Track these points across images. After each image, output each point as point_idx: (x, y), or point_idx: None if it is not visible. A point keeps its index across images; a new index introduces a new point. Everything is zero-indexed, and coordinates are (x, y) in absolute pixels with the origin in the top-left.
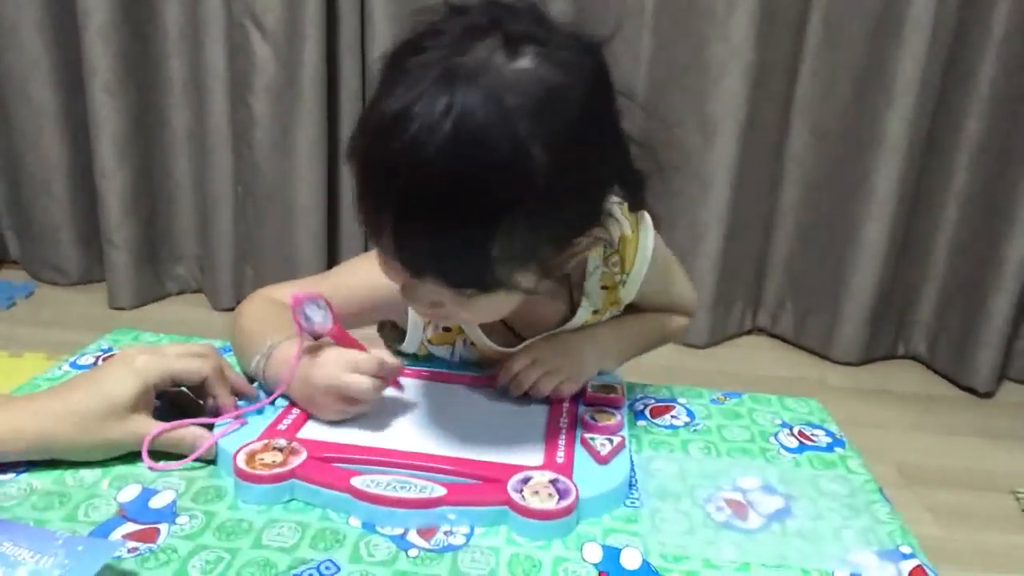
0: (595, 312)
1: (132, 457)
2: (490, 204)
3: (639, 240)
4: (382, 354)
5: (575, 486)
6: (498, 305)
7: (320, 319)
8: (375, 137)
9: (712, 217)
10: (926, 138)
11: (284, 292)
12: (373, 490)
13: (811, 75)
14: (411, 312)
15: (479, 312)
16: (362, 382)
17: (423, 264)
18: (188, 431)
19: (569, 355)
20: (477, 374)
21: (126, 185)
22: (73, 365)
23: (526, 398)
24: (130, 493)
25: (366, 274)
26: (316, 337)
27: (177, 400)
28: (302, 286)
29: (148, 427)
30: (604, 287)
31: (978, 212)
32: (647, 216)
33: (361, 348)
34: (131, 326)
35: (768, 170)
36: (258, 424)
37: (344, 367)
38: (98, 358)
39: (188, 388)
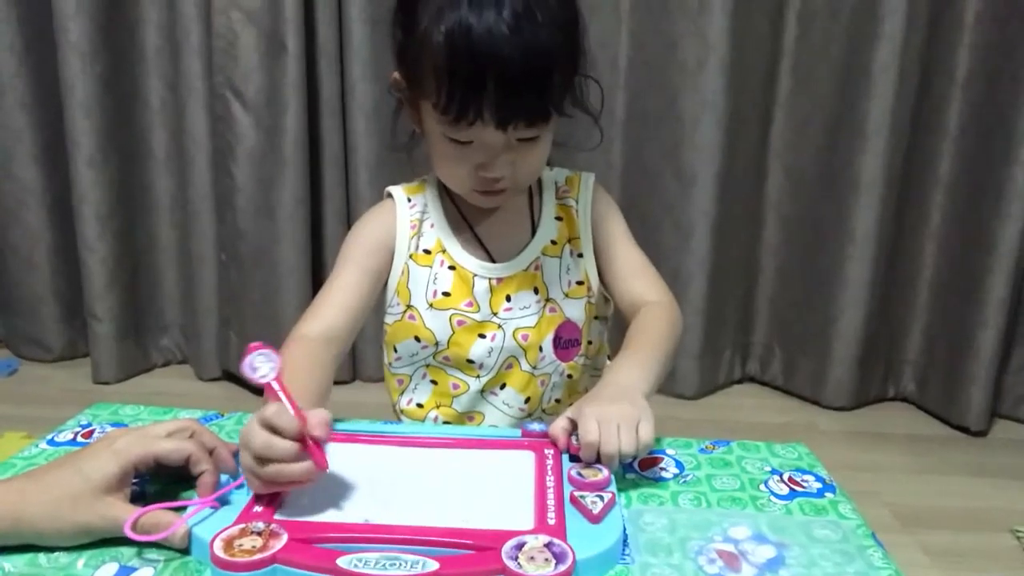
0: (553, 243)
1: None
2: (548, 51)
3: (581, 174)
4: (318, 413)
5: (571, 548)
6: (544, 152)
7: (264, 371)
8: (456, 45)
9: (695, 265)
10: (900, 177)
11: (313, 324)
12: (361, 570)
13: (784, 121)
14: (398, 232)
15: (536, 160)
16: (259, 435)
17: (514, 113)
18: (164, 515)
19: (622, 396)
20: (455, 436)
21: (109, 256)
22: (51, 443)
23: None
24: (106, 572)
25: (359, 244)
26: (260, 390)
27: (160, 472)
28: (323, 300)
29: (121, 512)
30: (559, 218)
31: (957, 248)
32: None
33: (294, 406)
34: (116, 399)
35: (747, 215)
36: (233, 507)
37: (254, 420)
38: (76, 434)
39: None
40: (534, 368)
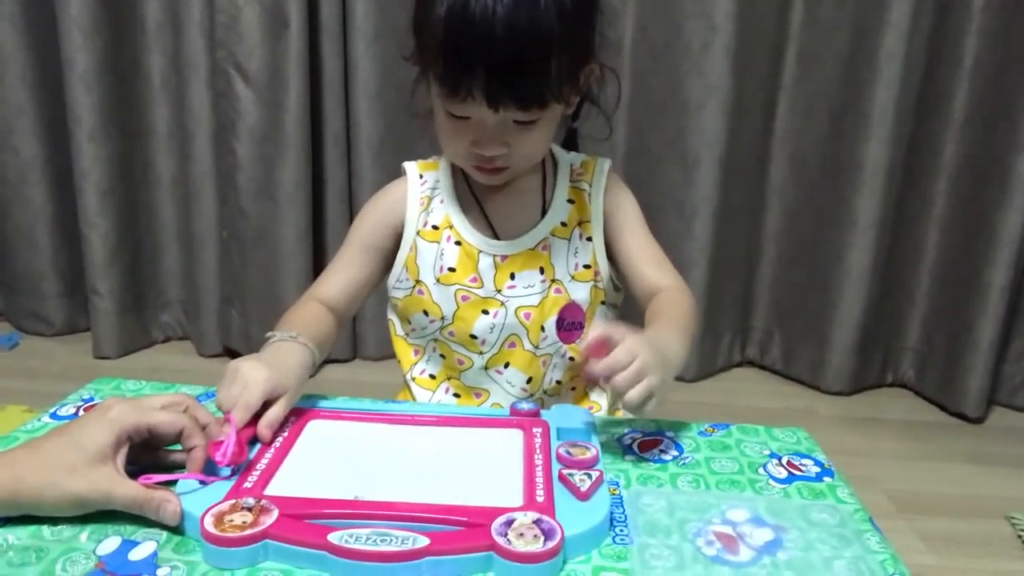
0: (563, 224)
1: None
2: (546, 35)
3: (598, 159)
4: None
5: (559, 525)
6: (544, 137)
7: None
8: (453, 21)
9: (696, 251)
10: (904, 165)
11: (319, 292)
12: (352, 545)
13: (788, 107)
14: (408, 208)
15: (532, 145)
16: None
17: (505, 94)
18: (156, 493)
19: (663, 360)
20: (445, 413)
21: (110, 233)
22: (53, 416)
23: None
24: (109, 546)
25: (366, 222)
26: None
27: (149, 443)
28: (330, 272)
29: (115, 483)
30: (571, 201)
31: (959, 237)
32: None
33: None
34: (116, 375)
35: (750, 202)
36: (223, 483)
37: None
38: (79, 408)
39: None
40: (536, 347)
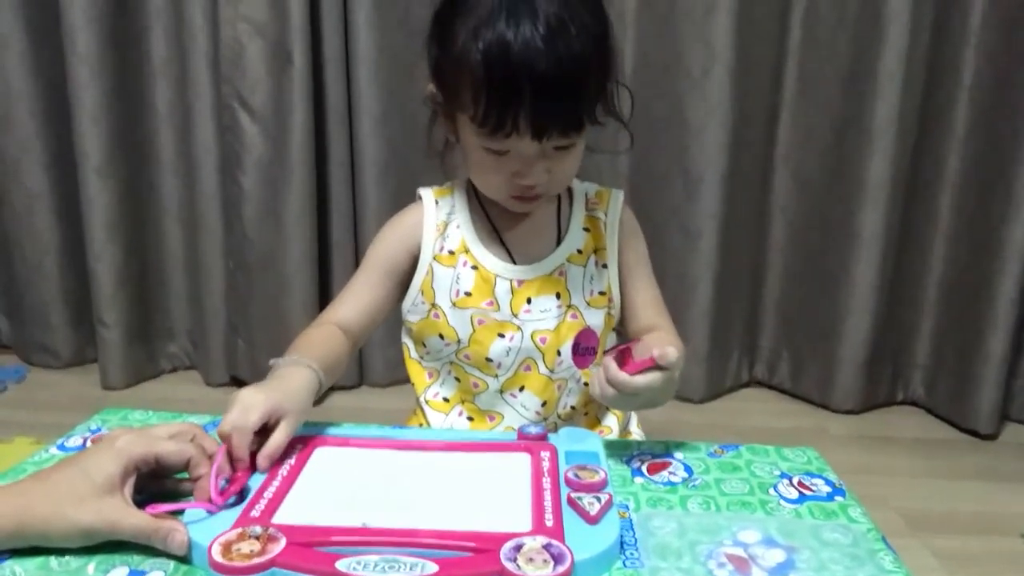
0: (579, 251)
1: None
2: (583, 62)
3: (612, 190)
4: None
5: (569, 550)
6: (578, 158)
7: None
8: (492, 60)
9: (701, 268)
10: (907, 179)
11: (334, 315)
12: (361, 573)
13: (790, 124)
14: (424, 233)
15: (569, 167)
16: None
17: (550, 124)
18: (163, 523)
19: (666, 393)
20: (452, 439)
21: (117, 263)
22: (61, 447)
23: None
24: None
25: (382, 246)
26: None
27: (157, 473)
28: (346, 295)
29: (122, 513)
30: (586, 229)
31: (965, 250)
32: None
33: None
34: (124, 405)
35: (754, 218)
36: (231, 511)
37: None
38: (86, 439)
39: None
40: (551, 371)
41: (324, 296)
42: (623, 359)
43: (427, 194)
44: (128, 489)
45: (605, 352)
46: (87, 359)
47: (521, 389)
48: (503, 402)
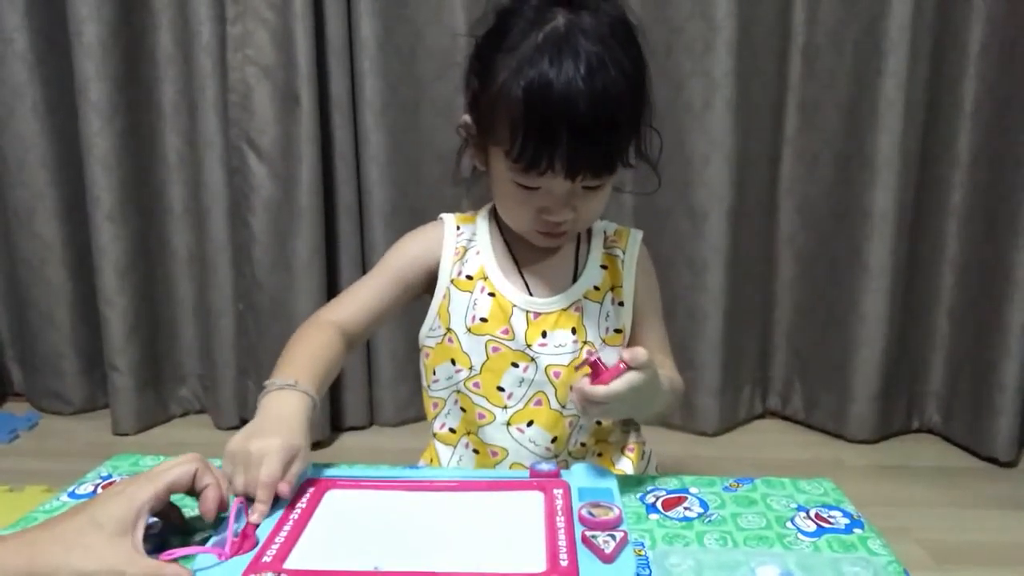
0: (596, 288)
1: None
2: (620, 104)
3: (631, 230)
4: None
5: None
6: (605, 198)
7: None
8: (533, 99)
9: (710, 302)
10: (913, 208)
11: (336, 312)
12: None
13: (793, 156)
14: (443, 256)
15: (596, 206)
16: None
17: (583, 164)
18: (168, 569)
19: (651, 397)
20: (464, 478)
21: (128, 309)
22: (72, 495)
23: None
24: None
25: (398, 254)
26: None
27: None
28: (350, 294)
29: (129, 561)
30: (604, 266)
31: (974, 278)
32: None
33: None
34: (135, 451)
35: (761, 252)
36: (242, 558)
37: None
38: (97, 486)
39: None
40: (563, 407)
41: None
42: (596, 371)
43: (449, 219)
44: (139, 534)
45: (577, 367)
46: (98, 405)
47: (530, 424)
48: (509, 436)
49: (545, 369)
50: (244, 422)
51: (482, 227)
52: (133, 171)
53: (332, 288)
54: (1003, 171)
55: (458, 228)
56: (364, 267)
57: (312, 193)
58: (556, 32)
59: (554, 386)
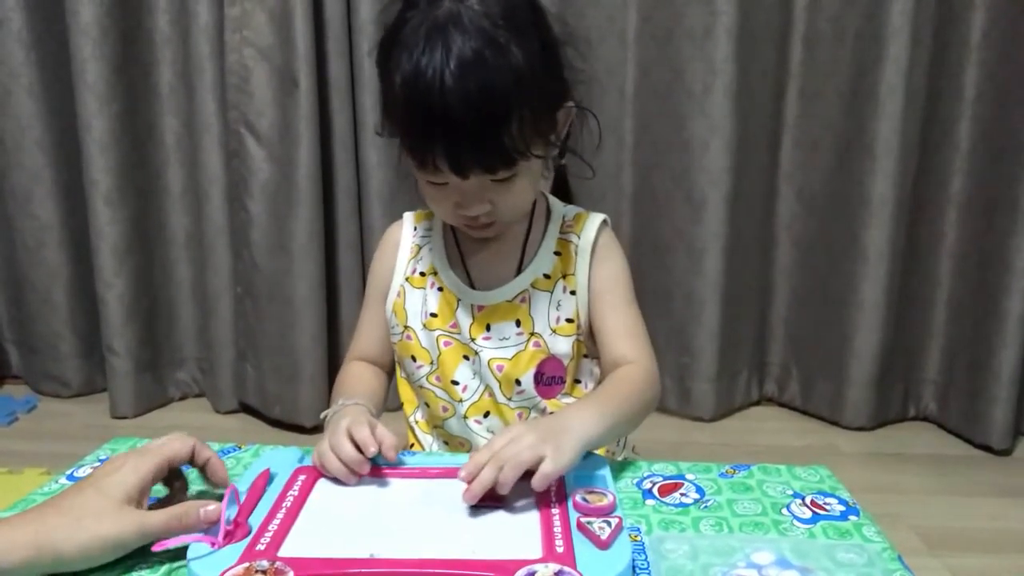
0: (546, 276)
1: (132, 567)
2: (501, 98)
3: (591, 214)
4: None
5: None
6: (527, 187)
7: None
8: (408, 95)
9: (707, 288)
10: (912, 196)
11: (355, 351)
12: None
13: (792, 143)
14: (399, 257)
15: (516, 197)
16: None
17: (470, 162)
18: (190, 505)
19: (552, 432)
20: (456, 464)
21: (126, 292)
22: (70, 477)
23: (489, 499)
24: None
25: (374, 277)
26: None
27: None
28: (358, 331)
29: (144, 516)
30: (557, 253)
31: (972, 266)
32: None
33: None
34: (133, 434)
35: (759, 238)
36: (236, 545)
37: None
38: (95, 469)
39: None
40: (509, 400)
41: (333, 321)
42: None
43: (408, 217)
44: (145, 502)
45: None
46: (96, 388)
47: (486, 415)
48: (468, 429)
49: (488, 363)
50: (242, 405)
51: (436, 222)
52: (131, 153)
53: (330, 271)
54: (1003, 159)
55: (415, 227)
56: (362, 250)
57: (310, 176)
58: (435, 23)
59: (498, 380)
